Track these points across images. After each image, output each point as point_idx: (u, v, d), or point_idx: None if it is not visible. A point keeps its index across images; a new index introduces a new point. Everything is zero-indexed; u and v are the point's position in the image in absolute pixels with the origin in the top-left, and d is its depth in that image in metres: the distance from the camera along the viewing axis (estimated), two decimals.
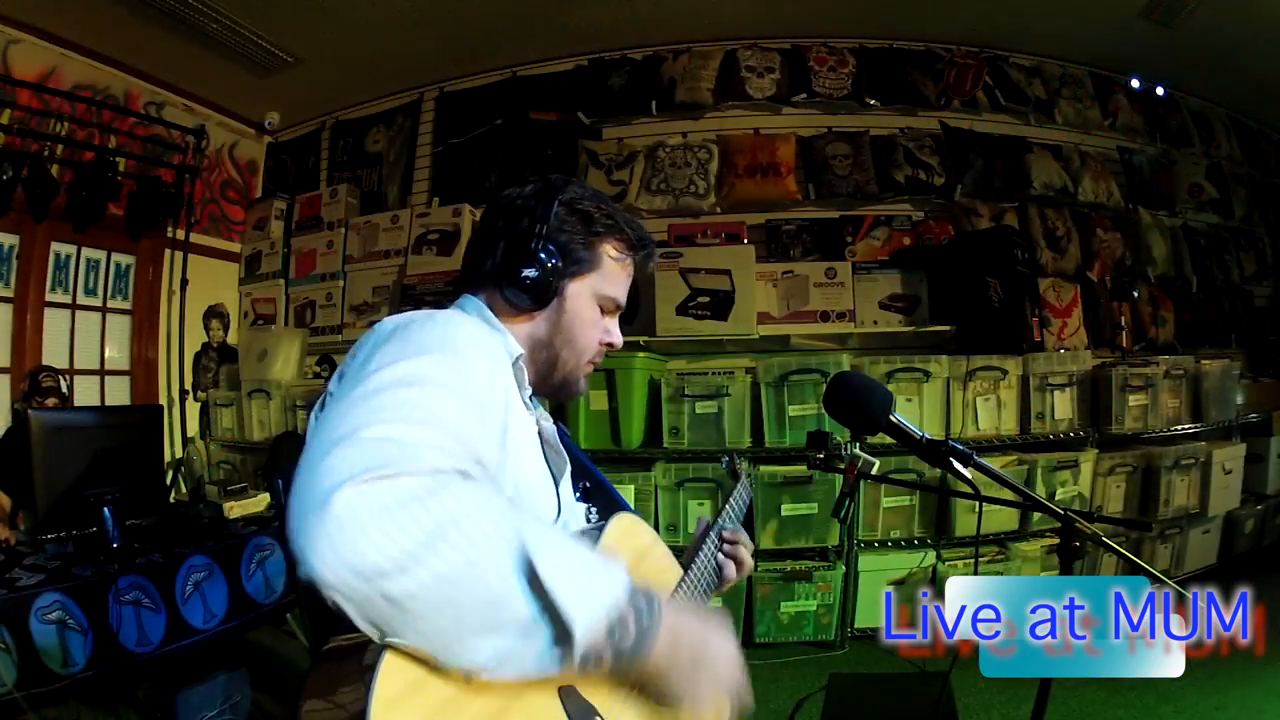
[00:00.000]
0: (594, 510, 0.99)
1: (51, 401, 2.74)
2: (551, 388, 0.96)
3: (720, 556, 1.06)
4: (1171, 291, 4.12)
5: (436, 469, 0.57)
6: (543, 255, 0.87)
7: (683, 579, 0.96)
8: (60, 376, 2.90)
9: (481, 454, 0.65)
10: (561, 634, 0.57)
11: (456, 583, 0.54)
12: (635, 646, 0.61)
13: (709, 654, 0.71)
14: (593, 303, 0.94)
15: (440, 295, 3.79)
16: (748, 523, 1.21)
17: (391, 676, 0.55)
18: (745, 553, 1.08)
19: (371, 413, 0.60)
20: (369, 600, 0.53)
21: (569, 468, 0.97)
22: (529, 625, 0.57)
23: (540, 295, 0.88)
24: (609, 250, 0.94)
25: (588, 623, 0.57)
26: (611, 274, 0.94)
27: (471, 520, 0.55)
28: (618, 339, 0.97)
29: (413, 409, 0.62)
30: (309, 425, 0.82)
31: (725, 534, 1.08)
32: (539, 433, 0.93)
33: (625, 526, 0.88)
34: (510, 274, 0.88)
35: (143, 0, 3.18)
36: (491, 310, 0.92)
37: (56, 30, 3.39)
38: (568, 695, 0.68)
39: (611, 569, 0.63)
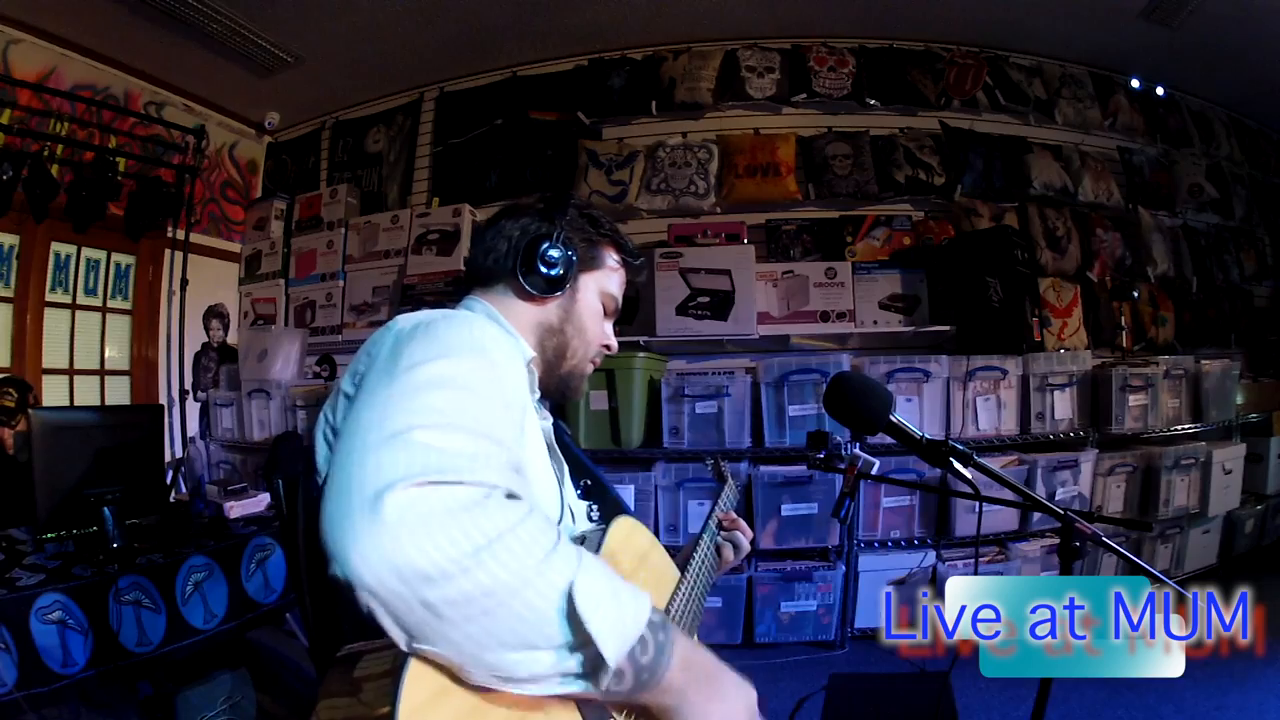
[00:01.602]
0: (595, 508, 1.00)
1: (8, 433, 2.60)
2: (558, 380, 0.98)
3: (719, 540, 1.14)
4: (1171, 291, 4.12)
5: (492, 484, 0.57)
6: (562, 245, 0.93)
7: (687, 563, 1.01)
8: (11, 391, 2.71)
9: (520, 463, 0.65)
10: (592, 661, 0.58)
11: (498, 597, 0.54)
12: (653, 665, 0.62)
13: (723, 688, 0.71)
14: (598, 298, 1.00)
15: (440, 295, 3.79)
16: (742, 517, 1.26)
17: (417, 684, 0.55)
18: (742, 537, 1.16)
19: (416, 413, 0.60)
20: (406, 604, 0.52)
21: (568, 467, 0.98)
22: (562, 650, 0.57)
23: (559, 280, 0.93)
24: (610, 254, 1.01)
25: (620, 653, 0.59)
26: (613, 275, 1.01)
27: (520, 540, 0.55)
28: (614, 342, 1.04)
29: (458, 414, 0.61)
30: (320, 424, 0.82)
31: (723, 519, 1.17)
32: (544, 435, 0.94)
33: (626, 530, 0.89)
34: (530, 261, 0.92)
35: (143, 0, 3.18)
36: (500, 310, 0.94)
37: (56, 30, 3.39)
38: (587, 705, 0.68)
39: (640, 598, 0.64)
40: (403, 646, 0.55)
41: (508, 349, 0.81)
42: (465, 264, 1.01)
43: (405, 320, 0.77)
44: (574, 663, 0.58)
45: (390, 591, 0.52)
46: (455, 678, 0.58)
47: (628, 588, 0.64)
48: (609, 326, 1.03)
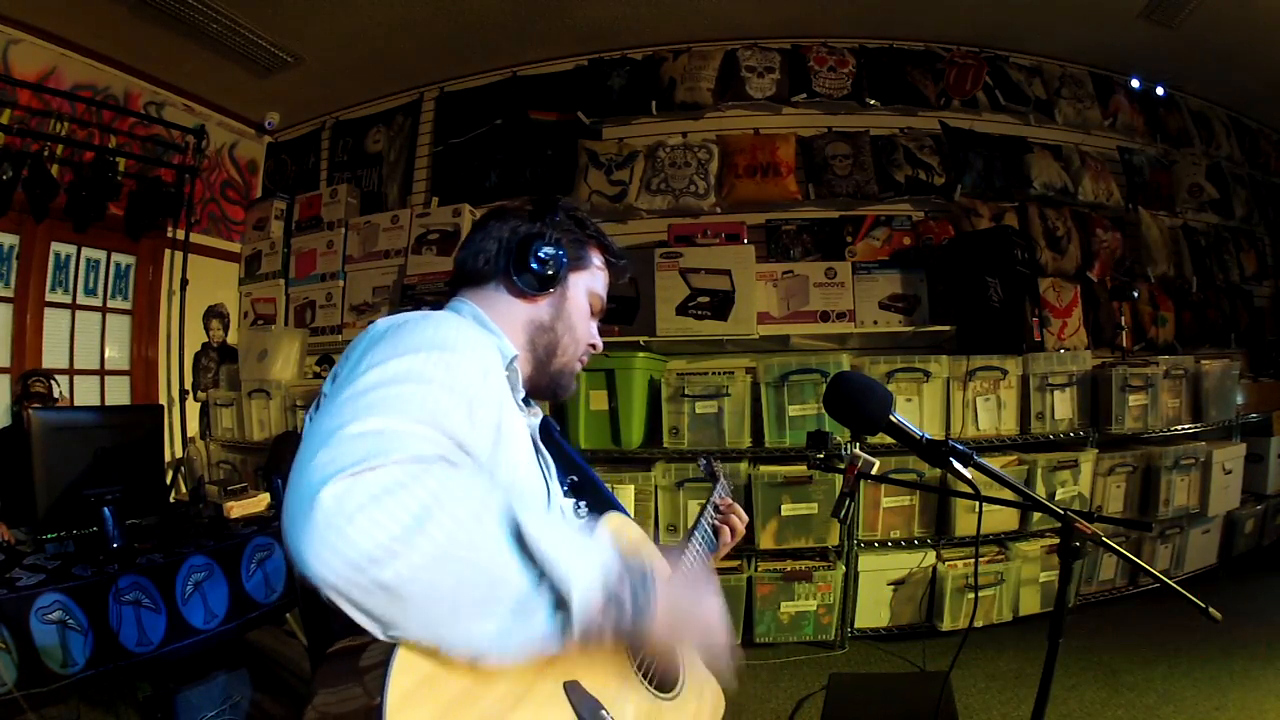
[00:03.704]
0: (583, 505, 1.00)
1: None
2: (548, 378, 0.99)
3: (716, 522, 1.20)
4: (1171, 291, 4.12)
5: (419, 455, 0.58)
6: (553, 244, 0.95)
7: (685, 545, 1.06)
8: (52, 380, 2.94)
9: (467, 445, 0.66)
10: (559, 604, 0.59)
11: (447, 561, 0.54)
12: (635, 620, 0.64)
13: (704, 620, 0.77)
14: (586, 297, 1.02)
15: (440, 295, 3.79)
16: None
17: (404, 673, 0.56)
18: (737, 520, 1.21)
19: (358, 411, 0.61)
20: (366, 591, 0.53)
21: (554, 464, 0.98)
22: (526, 598, 0.58)
23: (550, 279, 0.95)
24: (596, 255, 1.04)
25: (584, 588, 0.60)
26: (599, 275, 1.04)
27: (456, 500, 0.56)
28: (599, 342, 1.06)
29: (397, 403, 0.63)
30: (305, 427, 0.83)
31: (719, 503, 1.22)
32: (530, 433, 0.94)
33: (616, 524, 0.89)
34: (523, 259, 0.94)
35: (143, 0, 3.18)
36: (487, 310, 0.95)
37: (56, 30, 3.39)
38: (573, 690, 0.69)
39: (600, 541, 0.66)
40: (381, 636, 0.56)
41: (478, 345, 0.81)
42: (454, 266, 1.03)
43: (381, 323, 0.78)
44: (543, 612, 0.59)
45: (347, 582, 0.53)
46: (443, 667, 0.58)
47: (586, 534, 0.67)
48: (594, 326, 1.05)
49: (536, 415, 0.98)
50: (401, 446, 0.58)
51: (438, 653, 0.58)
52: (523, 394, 0.95)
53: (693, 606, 0.75)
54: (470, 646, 0.57)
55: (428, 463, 0.58)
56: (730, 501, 1.24)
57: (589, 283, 1.02)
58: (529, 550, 0.58)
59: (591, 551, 0.63)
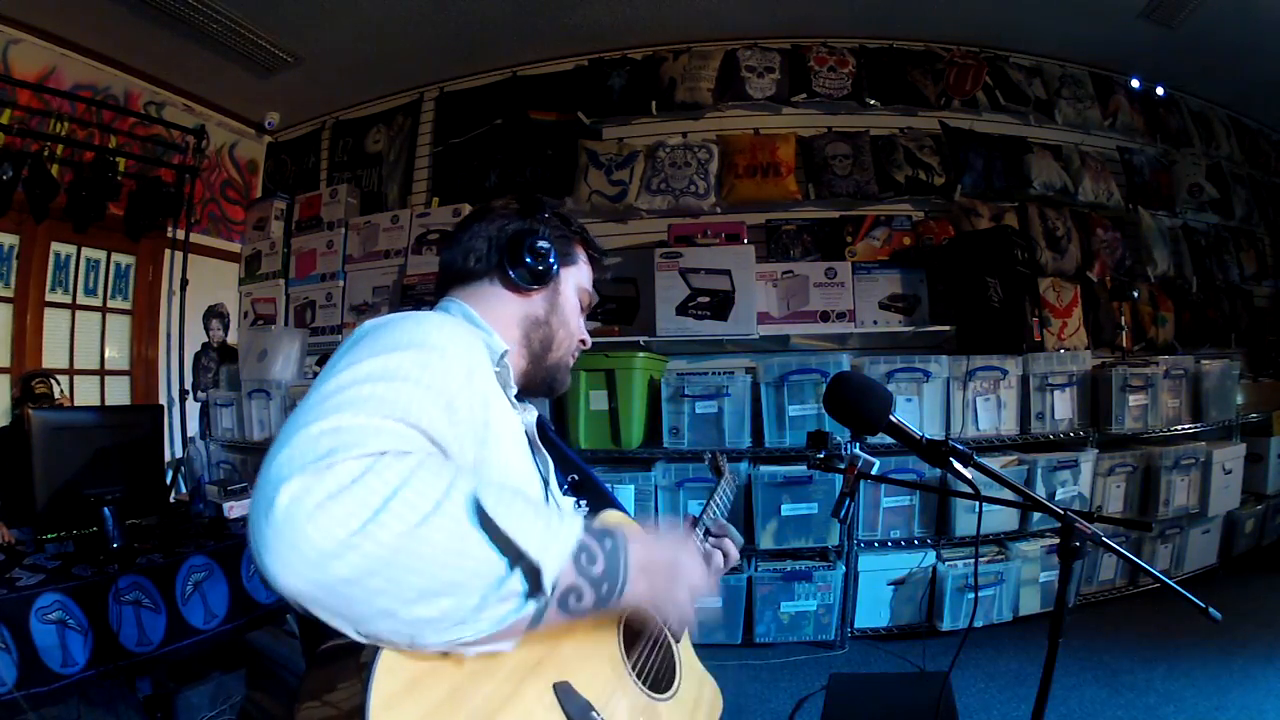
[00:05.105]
0: (583, 503, 1.00)
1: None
2: (545, 372, 0.99)
3: (707, 548, 1.10)
4: (1171, 291, 4.12)
5: (378, 451, 0.57)
6: (546, 241, 0.96)
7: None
8: (54, 380, 2.93)
9: (443, 442, 0.65)
10: (532, 571, 0.58)
11: (409, 548, 0.53)
12: (610, 579, 0.64)
13: (682, 572, 0.76)
14: (575, 293, 1.03)
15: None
16: (735, 519, 1.24)
17: (388, 675, 0.56)
18: (730, 545, 1.14)
19: (324, 410, 0.60)
20: (329, 590, 0.52)
21: (554, 463, 0.98)
22: (496, 573, 0.57)
23: (544, 273, 0.96)
24: (581, 251, 1.05)
25: (554, 556, 0.59)
26: (585, 270, 1.05)
27: (413, 487, 0.55)
28: (589, 338, 1.06)
29: (365, 401, 0.62)
30: None
31: (711, 528, 1.14)
32: (526, 430, 0.93)
33: (614, 520, 0.89)
34: (517, 254, 0.95)
35: (143, 0, 3.18)
36: (478, 308, 0.95)
37: (56, 30, 3.39)
38: (563, 691, 0.68)
39: (567, 514, 0.65)
40: (354, 636, 0.55)
41: (463, 344, 0.80)
42: (440, 268, 1.01)
43: (367, 324, 0.77)
44: (516, 581, 0.58)
45: (311, 583, 0.52)
46: (428, 669, 0.58)
47: (554, 509, 0.66)
48: (583, 322, 1.06)
49: (531, 413, 0.98)
50: (363, 442, 0.57)
51: (415, 651, 0.57)
52: (515, 391, 0.94)
53: (668, 563, 0.75)
54: (441, 633, 0.56)
55: (386, 455, 0.57)
56: (723, 523, 1.17)
57: (578, 278, 1.03)
58: (497, 530, 0.57)
59: (558, 521, 0.63)
